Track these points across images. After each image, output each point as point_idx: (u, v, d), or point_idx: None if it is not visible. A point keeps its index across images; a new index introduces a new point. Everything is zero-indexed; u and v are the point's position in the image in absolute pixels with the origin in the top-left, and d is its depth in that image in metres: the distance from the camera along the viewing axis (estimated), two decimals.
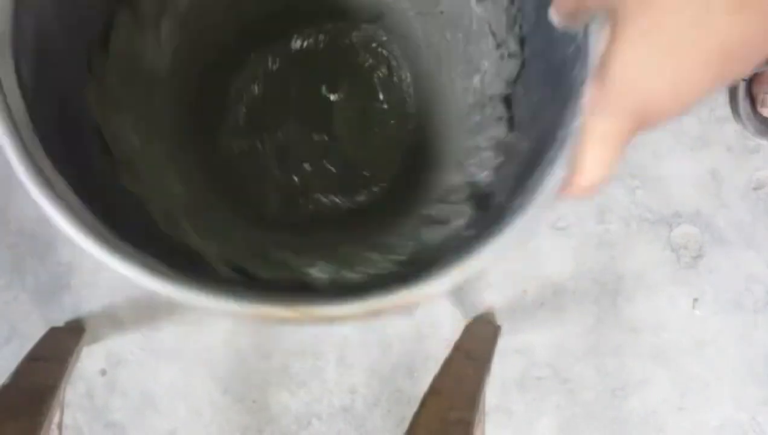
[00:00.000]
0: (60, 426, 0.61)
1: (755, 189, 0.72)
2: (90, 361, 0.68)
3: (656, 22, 0.24)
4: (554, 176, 0.31)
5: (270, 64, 0.58)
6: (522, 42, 0.43)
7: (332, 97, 0.59)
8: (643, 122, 0.26)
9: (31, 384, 0.54)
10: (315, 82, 0.59)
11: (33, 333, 0.64)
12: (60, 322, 0.67)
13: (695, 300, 0.71)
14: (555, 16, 0.33)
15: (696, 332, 0.70)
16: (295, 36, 0.58)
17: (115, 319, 0.68)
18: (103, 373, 0.69)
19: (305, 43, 0.59)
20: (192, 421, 0.69)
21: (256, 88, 0.58)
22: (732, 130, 0.71)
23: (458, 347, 0.61)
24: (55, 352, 0.60)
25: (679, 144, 0.71)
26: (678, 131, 0.71)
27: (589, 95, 0.27)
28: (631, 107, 0.25)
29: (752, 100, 0.69)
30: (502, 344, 0.68)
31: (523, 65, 0.43)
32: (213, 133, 0.56)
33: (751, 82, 0.70)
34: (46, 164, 0.31)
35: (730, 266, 0.71)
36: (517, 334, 0.70)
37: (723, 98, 0.71)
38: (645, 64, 0.24)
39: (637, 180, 0.71)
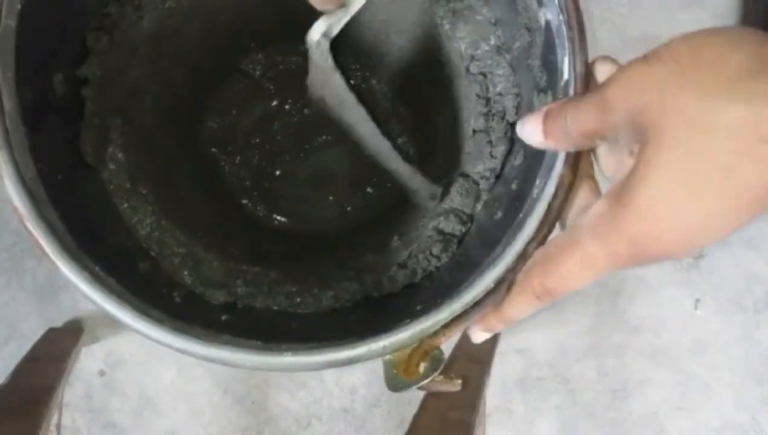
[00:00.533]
0: (58, 427, 0.60)
1: None
2: (89, 361, 0.68)
3: (701, 150, 0.22)
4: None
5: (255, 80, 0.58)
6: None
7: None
8: (636, 259, 0.24)
9: (30, 384, 0.54)
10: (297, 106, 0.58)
11: (31, 333, 0.64)
12: (58, 322, 0.67)
13: (697, 300, 0.71)
14: (536, 137, 0.29)
15: (696, 332, 0.70)
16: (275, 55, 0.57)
17: (113, 320, 0.68)
18: (102, 373, 0.69)
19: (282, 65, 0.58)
20: (191, 422, 0.69)
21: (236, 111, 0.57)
22: None
23: (459, 348, 0.61)
24: (53, 352, 0.60)
25: None
26: None
27: (596, 212, 0.25)
28: (636, 239, 0.24)
29: None
30: (503, 345, 0.68)
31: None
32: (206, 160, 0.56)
33: None
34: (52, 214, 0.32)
35: (730, 266, 0.71)
36: (518, 335, 0.70)
37: None
38: (676, 195, 0.22)
39: None
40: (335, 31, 0.35)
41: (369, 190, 0.57)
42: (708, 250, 0.71)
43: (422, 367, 0.28)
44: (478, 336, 0.31)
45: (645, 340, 0.70)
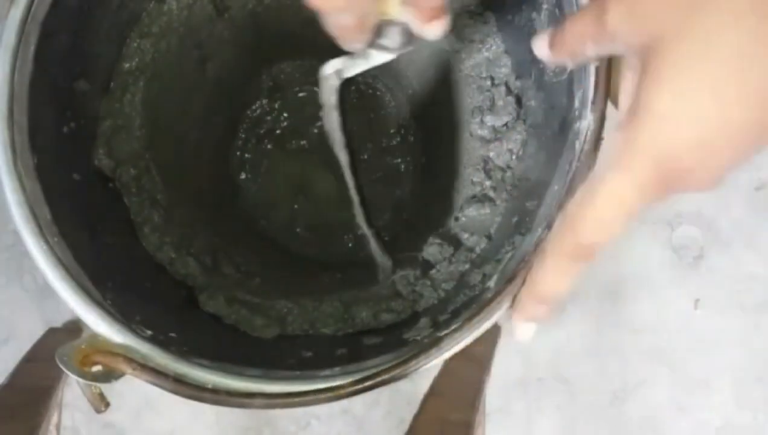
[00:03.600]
0: (58, 427, 0.60)
1: (757, 189, 0.71)
2: None
3: (701, 48, 0.20)
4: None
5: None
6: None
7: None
8: (665, 184, 0.22)
9: (29, 385, 0.54)
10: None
11: (31, 334, 0.63)
12: (58, 322, 0.67)
13: (697, 300, 0.70)
14: (544, 49, 0.28)
15: (697, 333, 0.70)
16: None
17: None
18: None
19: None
20: (191, 423, 0.69)
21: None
22: None
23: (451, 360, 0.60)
24: (53, 353, 0.60)
25: None
26: None
27: (612, 146, 0.23)
28: (660, 155, 0.21)
29: None
30: (503, 345, 0.68)
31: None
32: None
33: None
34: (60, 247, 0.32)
35: (731, 267, 0.71)
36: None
37: None
38: (685, 99, 0.21)
39: None
40: (349, 74, 0.34)
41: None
42: (708, 250, 0.71)
43: (96, 368, 0.29)
44: (523, 330, 0.28)
45: (645, 340, 0.70)
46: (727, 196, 0.71)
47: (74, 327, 0.67)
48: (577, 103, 0.31)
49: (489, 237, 0.41)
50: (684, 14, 0.21)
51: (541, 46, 0.29)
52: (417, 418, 0.50)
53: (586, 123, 0.30)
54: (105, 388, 0.74)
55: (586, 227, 0.24)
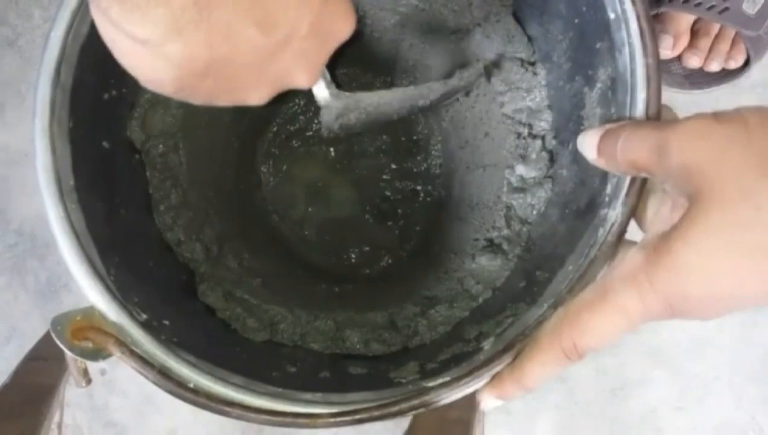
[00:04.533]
0: (60, 425, 0.61)
1: None
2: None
3: (749, 224, 0.21)
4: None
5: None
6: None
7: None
8: (667, 316, 0.24)
9: (31, 383, 0.54)
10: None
11: (33, 333, 0.64)
12: None
13: None
14: (590, 151, 0.28)
15: (695, 332, 0.70)
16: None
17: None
18: (103, 372, 0.69)
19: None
20: (192, 421, 0.69)
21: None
22: None
23: None
24: (54, 351, 0.60)
25: None
26: None
27: (631, 262, 0.24)
28: (670, 298, 0.23)
29: None
30: None
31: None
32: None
33: None
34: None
35: None
36: None
37: (723, 98, 0.71)
38: (716, 263, 0.22)
39: None
40: (326, 71, 0.34)
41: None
42: None
43: (86, 344, 0.29)
44: (489, 402, 0.29)
45: (644, 339, 0.70)
46: None
47: None
48: (609, 189, 0.31)
49: (494, 290, 0.41)
50: (735, 180, 0.22)
51: (588, 146, 0.29)
52: (417, 416, 0.50)
53: (614, 214, 0.30)
54: (106, 386, 0.74)
55: (588, 331, 0.25)
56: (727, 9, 0.60)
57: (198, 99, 0.26)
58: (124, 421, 0.69)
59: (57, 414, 0.58)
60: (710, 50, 0.64)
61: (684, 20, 0.63)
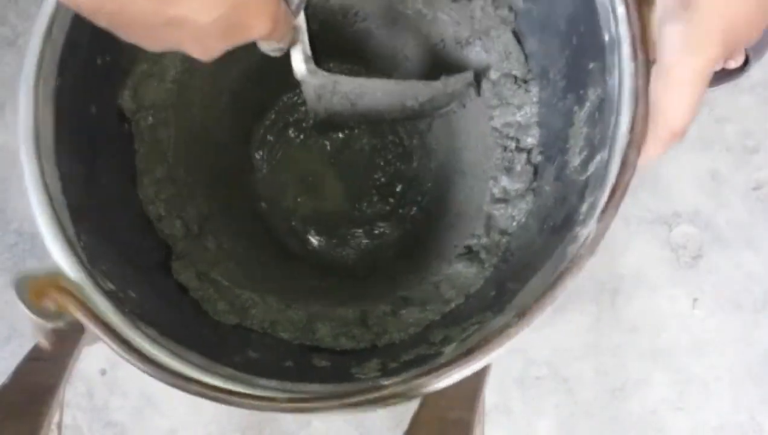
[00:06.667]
0: (60, 426, 0.61)
1: (755, 189, 0.72)
2: (90, 360, 0.68)
3: None
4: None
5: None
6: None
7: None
8: (731, 47, 0.25)
9: (31, 384, 0.54)
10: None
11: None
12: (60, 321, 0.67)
13: (695, 300, 0.71)
14: None
15: (695, 332, 0.70)
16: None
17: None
18: (103, 372, 0.69)
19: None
20: (192, 421, 0.69)
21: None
22: (732, 130, 0.71)
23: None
24: (55, 352, 0.60)
25: (678, 144, 0.71)
26: None
27: (671, 37, 0.26)
28: (722, 34, 0.24)
29: None
30: None
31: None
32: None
33: None
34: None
35: (729, 266, 0.71)
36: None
37: (723, 98, 0.71)
38: None
39: (636, 180, 0.71)
40: (308, 48, 0.35)
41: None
42: (707, 249, 0.71)
43: (49, 304, 0.29)
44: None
45: (643, 339, 0.70)
46: (725, 195, 0.71)
47: (76, 326, 0.67)
48: (584, 208, 0.32)
49: (467, 296, 0.42)
50: None
51: None
52: (416, 416, 0.50)
53: (586, 231, 0.31)
54: (106, 386, 0.74)
55: (675, 114, 0.27)
56: None
57: (103, 24, 0.26)
58: (124, 421, 0.69)
59: (57, 414, 0.58)
60: None
61: None
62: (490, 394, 0.68)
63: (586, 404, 0.70)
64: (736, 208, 0.71)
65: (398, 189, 0.58)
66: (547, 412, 0.70)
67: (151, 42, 0.27)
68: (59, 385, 0.56)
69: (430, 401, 0.51)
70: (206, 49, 0.27)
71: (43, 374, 0.56)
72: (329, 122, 0.44)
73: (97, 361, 0.69)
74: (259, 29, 0.28)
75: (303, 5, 0.32)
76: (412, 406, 0.50)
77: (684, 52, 0.26)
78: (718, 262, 0.71)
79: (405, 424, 0.48)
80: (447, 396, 0.53)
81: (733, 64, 0.64)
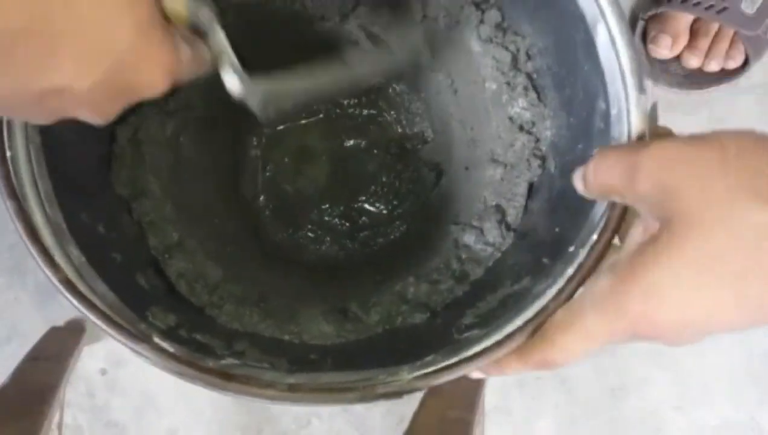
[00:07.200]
0: (60, 425, 0.61)
1: None
2: (90, 360, 0.68)
3: (722, 249, 0.21)
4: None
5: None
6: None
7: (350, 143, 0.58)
8: (633, 338, 0.24)
9: (32, 384, 0.54)
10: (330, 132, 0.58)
11: (33, 333, 0.64)
12: (60, 321, 0.67)
13: None
14: (578, 183, 0.28)
15: None
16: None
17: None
18: (104, 372, 0.69)
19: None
20: (192, 421, 0.69)
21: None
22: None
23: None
24: (55, 351, 0.60)
25: None
26: (677, 131, 0.71)
27: (600, 285, 0.24)
28: (637, 320, 0.23)
29: (645, 43, 0.65)
30: None
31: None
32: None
33: (647, 23, 0.65)
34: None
35: None
36: None
37: (723, 98, 0.71)
38: (686, 286, 0.22)
39: None
40: (235, 61, 0.31)
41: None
42: None
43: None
44: (474, 373, 0.31)
45: None
46: None
47: (77, 326, 0.67)
48: (582, 233, 0.32)
49: (434, 314, 0.42)
50: (711, 206, 0.21)
51: (576, 179, 0.29)
52: (417, 416, 0.50)
53: (555, 288, 0.31)
54: (106, 386, 0.74)
55: (554, 349, 0.26)
56: (725, 9, 0.61)
57: None
58: (124, 421, 0.69)
59: (57, 414, 0.58)
60: (709, 50, 0.64)
61: (683, 20, 0.63)
62: (489, 394, 0.68)
63: (586, 404, 0.70)
64: None
65: (384, 208, 0.58)
66: (547, 412, 0.70)
67: (36, 116, 0.24)
68: (59, 384, 0.56)
69: (430, 401, 0.52)
70: (97, 115, 0.25)
71: (43, 374, 0.56)
72: (281, 118, 0.43)
73: (97, 361, 0.69)
74: (154, 84, 0.25)
75: (215, 21, 0.29)
76: (413, 405, 0.51)
77: (595, 306, 0.24)
78: None
79: (405, 424, 0.48)
80: (447, 396, 0.53)
81: (732, 64, 0.64)
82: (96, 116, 0.25)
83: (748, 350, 0.70)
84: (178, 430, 0.69)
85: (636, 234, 0.27)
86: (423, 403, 0.51)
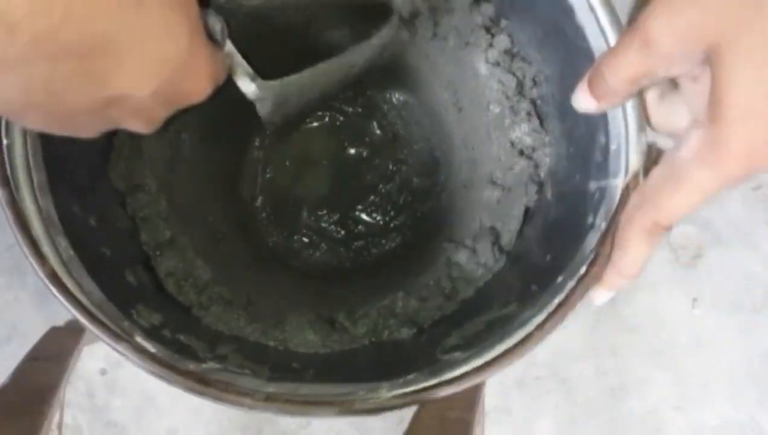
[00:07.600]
0: (60, 426, 0.61)
1: (754, 189, 0.72)
2: (90, 360, 0.68)
3: (763, 42, 0.21)
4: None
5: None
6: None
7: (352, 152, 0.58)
8: (753, 172, 0.24)
9: (31, 384, 0.54)
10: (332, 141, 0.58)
11: (33, 333, 0.64)
12: (60, 321, 0.67)
13: (694, 300, 0.71)
14: (589, 102, 0.28)
15: (695, 332, 0.70)
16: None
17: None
18: (104, 372, 0.69)
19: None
20: (192, 421, 0.69)
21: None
22: None
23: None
24: (55, 351, 0.60)
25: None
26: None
27: (694, 141, 0.24)
28: (751, 148, 0.23)
29: None
30: None
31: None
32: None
33: None
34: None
35: (729, 266, 0.71)
36: None
37: None
38: (765, 93, 0.21)
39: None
40: (247, 67, 0.33)
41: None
42: (706, 249, 0.71)
43: None
44: (600, 296, 0.30)
45: (643, 339, 0.70)
46: (724, 195, 0.71)
47: (77, 326, 0.67)
48: (573, 263, 0.32)
49: (420, 329, 0.41)
50: (737, 13, 0.21)
51: (583, 99, 0.28)
52: (416, 416, 0.50)
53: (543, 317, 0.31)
54: (106, 386, 0.74)
55: (670, 210, 0.26)
56: None
57: (36, 121, 0.24)
58: (124, 421, 0.69)
59: (57, 414, 0.58)
60: None
61: None
62: (489, 394, 0.68)
63: (586, 404, 0.70)
64: (735, 208, 0.71)
65: (380, 220, 0.58)
66: (547, 412, 0.70)
67: (88, 128, 0.25)
68: (59, 384, 0.56)
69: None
70: (148, 122, 0.26)
71: (43, 374, 0.56)
72: (285, 124, 0.43)
73: (97, 361, 0.69)
74: (201, 90, 0.27)
75: (227, 32, 0.31)
76: (413, 405, 0.50)
77: (700, 165, 0.24)
78: (717, 262, 0.71)
79: (405, 425, 0.48)
80: (447, 396, 0.53)
81: None
82: (146, 124, 0.26)
83: (748, 350, 0.70)
84: (178, 430, 0.69)
85: (694, 87, 0.26)
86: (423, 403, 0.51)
